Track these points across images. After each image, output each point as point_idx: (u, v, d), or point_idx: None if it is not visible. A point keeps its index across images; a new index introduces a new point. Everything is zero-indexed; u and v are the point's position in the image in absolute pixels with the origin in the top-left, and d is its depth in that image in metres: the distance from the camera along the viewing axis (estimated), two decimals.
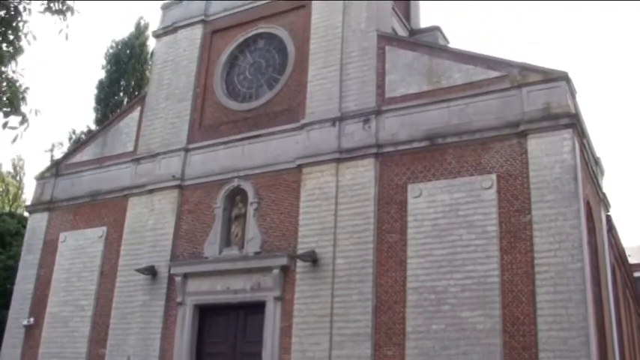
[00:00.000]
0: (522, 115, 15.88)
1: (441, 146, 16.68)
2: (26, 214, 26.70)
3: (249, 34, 21.62)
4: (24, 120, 9.70)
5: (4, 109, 9.61)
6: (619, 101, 77.22)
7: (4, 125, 9.59)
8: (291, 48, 20.36)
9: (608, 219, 20.70)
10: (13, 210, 38.36)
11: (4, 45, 10.01)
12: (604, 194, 20.30)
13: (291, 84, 19.89)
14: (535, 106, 15.83)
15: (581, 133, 16.17)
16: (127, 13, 75.22)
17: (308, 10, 20.35)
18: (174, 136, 21.24)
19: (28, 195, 38.75)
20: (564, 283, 14.27)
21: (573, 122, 15.43)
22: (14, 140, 9.80)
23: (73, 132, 37.71)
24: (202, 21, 22.62)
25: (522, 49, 73.18)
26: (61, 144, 37.66)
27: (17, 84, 9.83)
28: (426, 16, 26.29)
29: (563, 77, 15.97)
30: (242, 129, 20.02)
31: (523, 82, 16.22)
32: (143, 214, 20.76)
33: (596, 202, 18.94)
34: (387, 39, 18.76)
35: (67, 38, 10.43)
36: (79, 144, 26.16)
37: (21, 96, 9.75)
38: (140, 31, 39.02)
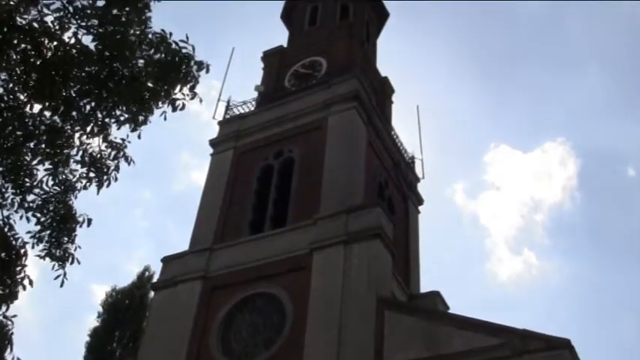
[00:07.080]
0: None
1: None
2: None
3: (248, 294, 21.59)
4: None
5: None
6: None
7: None
8: (289, 309, 20.24)
9: None
10: None
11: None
12: None
13: (287, 346, 19.46)
14: None
15: None
16: (129, 261, 76.40)
17: (308, 271, 20.59)
18: None
19: None
20: None
21: None
22: None
23: None
24: (203, 277, 22.65)
25: (525, 309, 72.97)
26: None
27: (5, 329, 9.56)
28: (427, 280, 26.67)
29: (565, 345, 15.73)
30: None
31: (524, 350, 15.92)
32: None
33: None
34: (387, 304, 18.76)
35: (62, 285, 10.25)
36: None
37: (7, 342, 9.47)
38: (143, 282, 39.04)
